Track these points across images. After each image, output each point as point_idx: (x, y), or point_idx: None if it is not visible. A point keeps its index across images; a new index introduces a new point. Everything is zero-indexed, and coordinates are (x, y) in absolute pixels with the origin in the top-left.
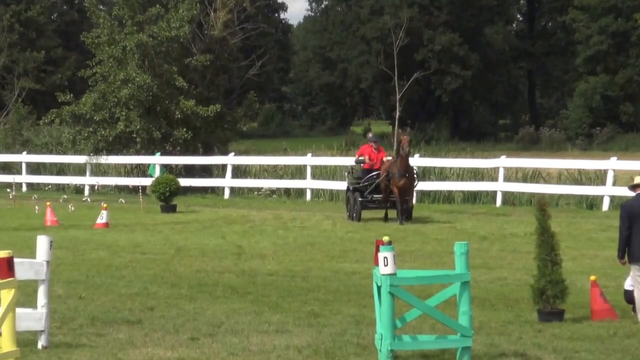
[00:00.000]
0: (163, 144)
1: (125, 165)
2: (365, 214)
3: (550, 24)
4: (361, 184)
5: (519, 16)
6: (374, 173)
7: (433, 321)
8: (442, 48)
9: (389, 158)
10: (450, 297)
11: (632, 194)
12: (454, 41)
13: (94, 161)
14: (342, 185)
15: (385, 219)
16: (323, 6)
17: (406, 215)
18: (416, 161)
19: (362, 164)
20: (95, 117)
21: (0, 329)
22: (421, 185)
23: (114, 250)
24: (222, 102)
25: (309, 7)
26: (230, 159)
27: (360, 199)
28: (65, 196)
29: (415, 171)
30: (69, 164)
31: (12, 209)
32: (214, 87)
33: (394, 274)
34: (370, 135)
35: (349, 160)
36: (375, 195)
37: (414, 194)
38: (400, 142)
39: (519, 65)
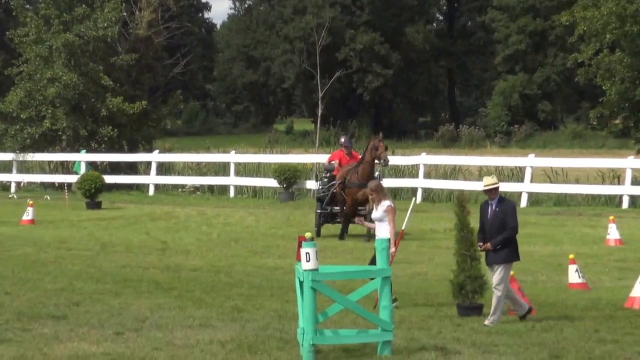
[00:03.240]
0: (89, 142)
1: (50, 163)
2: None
3: (470, 24)
4: (321, 193)
5: (439, 16)
6: (340, 181)
7: (354, 316)
8: (363, 47)
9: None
10: (371, 292)
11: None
12: (376, 40)
13: (20, 158)
14: (265, 182)
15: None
16: (246, 6)
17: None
18: None
19: (331, 171)
20: (21, 115)
21: None
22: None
23: (40, 246)
24: (147, 100)
25: (232, 7)
26: (155, 157)
27: (318, 211)
28: None
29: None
30: None
31: None
32: (139, 86)
33: (316, 270)
34: (343, 139)
35: (273, 158)
36: (335, 208)
37: None
38: (376, 149)
39: (439, 64)
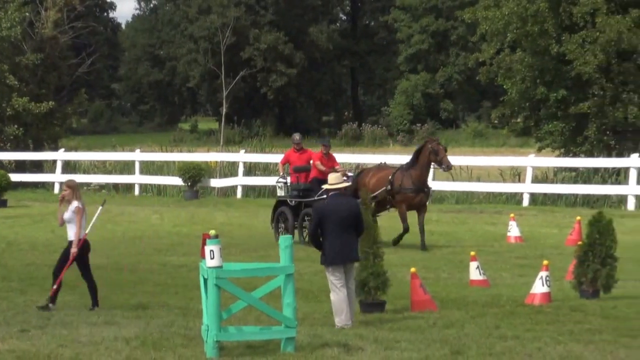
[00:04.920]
0: None
1: None
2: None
3: (372, 24)
4: (316, 197)
5: (342, 16)
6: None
7: (258, 312)
8: (268, 46)
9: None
10: (275, 289)
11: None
12: (280, 40)
13: None
14: (170, 181)
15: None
16: (152, 5)
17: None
18: (242, 157)
19: (299, 172)
20: None
21: None
22: (248, 181)
23: None
24: (52, 99)
25: (138, 7)
26: (60, 155)
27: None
28: None
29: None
30: None
31: None
32: (45, 85)
33: (220, 267)
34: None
35: (178, 156)
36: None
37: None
38: (436, 153)
39: (343, 64)
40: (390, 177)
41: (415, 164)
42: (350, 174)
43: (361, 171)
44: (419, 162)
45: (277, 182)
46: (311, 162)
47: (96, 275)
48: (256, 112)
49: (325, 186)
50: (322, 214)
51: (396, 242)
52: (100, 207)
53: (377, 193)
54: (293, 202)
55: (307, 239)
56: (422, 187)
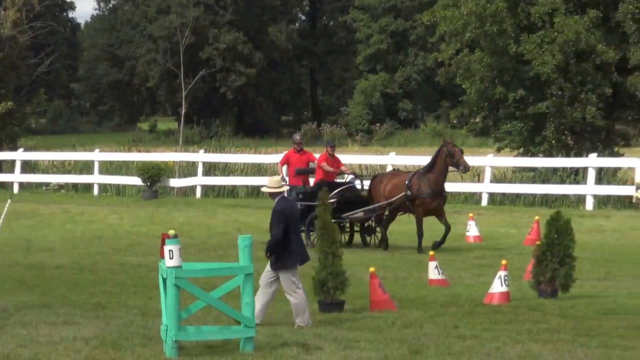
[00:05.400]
0: None
1: None
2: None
3: (332, 24)
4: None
5: (301, 16)
6: (345, 186)
7: (218, 312)
8: (227, 46)
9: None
10: (234, 289)
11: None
12: (239, 40)
13: None
14: (129, 180)
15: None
16: (111, 5)
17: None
18: (201, 157)
19: (301, 175)
20: None
21: None
22: (207, 181)
23: None
24: (11, 100)
25: (97, 7)
26: (19, 155)
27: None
28: None
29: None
30: None
31: None
32: (4, 85)
33: (179, 267)
34: (331, 143)
35: (137, 156)
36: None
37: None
38: (452, 155)
39: (302, 64)
40: (407, 182)
41: (433, 168)
42: (351, 176)
43: (375, 177)
44: (435, 166)
45: None
46: (311, 163)
47: (55, 274)
48: (215, 112)
49: (265, 189)
50: (287, 217)
51: (421, 249)
52: (8, 202)
53: (394, 199)
54: (298, 205)
55: (315, 241)
56: (439, 192)
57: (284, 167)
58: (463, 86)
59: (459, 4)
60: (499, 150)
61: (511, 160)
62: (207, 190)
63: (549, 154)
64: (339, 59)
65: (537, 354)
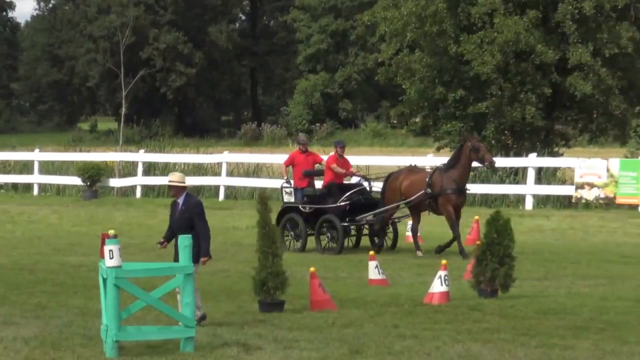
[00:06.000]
0: None
1: None
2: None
3: (272, 24)
4: (340, 203)
5: (242, 16)
6: (358, 188)
7: (158, 312)
8: (167, 46)
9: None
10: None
11: None
12: (179, 39)
13: None
14: (69, 180)
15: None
16: (51, 5)
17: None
18: (141, 157)
19: (308, 177)
20: None
21: None
22: (147, 180)
23: None
24: None
25: (37, 6)
26: None
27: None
28: None
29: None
30: None
31: None
32: None
33: (119, 267)
34: (340, 143)
35: (77, 156)
36: (366, 217)
37: None
38: (477, 150)
39: (242, 63)
40: (427, 179)
41: (456, 163)
42: (357, 178)
43: (390, 175)
44: (460, 162)
45: (283, 186)
46: (316, 165)
47: None
48: (155, 111)
49: (174, 183)
50: (198, 212)
51: (441, 249)
52: None
53: (413, 198)
54: (307, 208)
55: (326, 246)
56: (463, 188)
57: (289, 169)
58: (403, 86)
59: (399, 5)
60: (438, 149)
61: None
62: (147, 190)
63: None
64: (279, 59)
65: (477, 354)
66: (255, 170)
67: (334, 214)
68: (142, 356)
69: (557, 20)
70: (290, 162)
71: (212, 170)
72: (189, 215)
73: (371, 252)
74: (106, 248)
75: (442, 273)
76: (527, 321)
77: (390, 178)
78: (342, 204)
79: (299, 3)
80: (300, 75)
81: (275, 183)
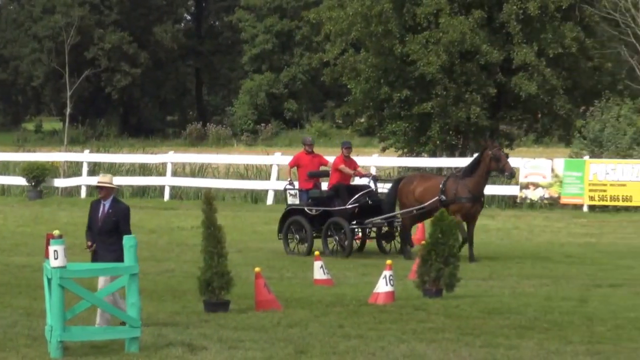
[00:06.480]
0: None
1: None
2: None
3: (217, 24)
4: (348, 205)
5: (187, 16)
6: (366, 190)
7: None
8: (112, 46)
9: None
10: (119, 289)
11: None
12: (124, 40)
13: None
14: (13, 180)
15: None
16: None
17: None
18: (86, 157)
19: (314, 178)
20: None
21: None
22: (92, 181)
23: None
24: None
25: None
26: None
27: (350, 227)
28: None
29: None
30: None
31: None
32: None
33: (64, 267)
34: (347, 143)
35: (22, 156)
36: (375, 220)
37: None
38: (498, 159)
39: (187, 63)
40: (441, 186)
41: (474, 171)
42: (367, 179)
43: (400, 179)
44: (478, 169)
45: (286, 188)
46: (321, 167)
47: None
48: (100, 111)
49: (104, 184)
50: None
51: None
52: None
53: (427, 204)
54: (314, 210)
55: (334, 248)
56: (478, 197)
57: (294, 170)
58: (348, 86)
59: (344, 5)
60: (384, 150)
61: (396, 160)
62: (92, 190)
63: (433, 154)
64: (224, 59)
65: (422, 353)
66: (201, 170)
67: (342, 217)
68: (87, 356)
69: (502, 20)
70: (295, 164)
71: (157, 170)
72: (116, 220)
73: (316, 252)
74: (51, 248)
75: (387, 273)
76: (471, 321)
77: (402, 182)
78: (351, 206)
79: (244, 3)
80: (245, 76)
81: (220, 183)
